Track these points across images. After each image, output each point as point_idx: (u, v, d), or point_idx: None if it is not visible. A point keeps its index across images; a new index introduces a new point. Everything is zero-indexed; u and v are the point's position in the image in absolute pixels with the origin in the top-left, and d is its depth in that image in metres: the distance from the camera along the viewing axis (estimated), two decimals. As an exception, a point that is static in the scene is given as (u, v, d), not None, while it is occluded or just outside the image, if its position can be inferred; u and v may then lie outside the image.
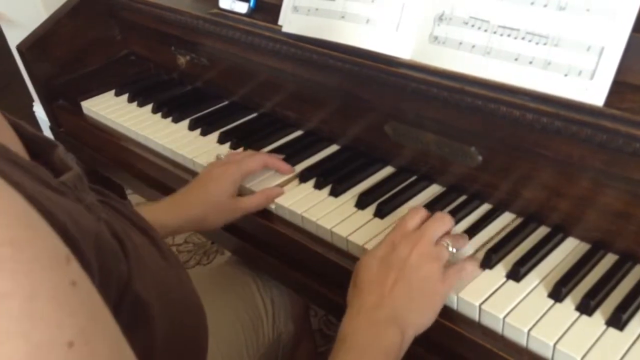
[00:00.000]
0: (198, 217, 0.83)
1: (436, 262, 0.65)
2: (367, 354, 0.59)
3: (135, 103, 1.19)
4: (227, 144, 1.02)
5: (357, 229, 0.78)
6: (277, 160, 0.91)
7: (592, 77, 0.65)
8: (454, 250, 0.68)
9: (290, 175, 0.91)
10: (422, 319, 0.63)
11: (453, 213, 0.79)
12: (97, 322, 0.33)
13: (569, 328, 0.61)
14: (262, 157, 0.90)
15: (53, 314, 0.30)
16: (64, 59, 1.23)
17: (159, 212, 0.82)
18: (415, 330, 0.63)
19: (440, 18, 0.77)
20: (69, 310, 0.31)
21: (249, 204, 0.85)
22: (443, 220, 0.70)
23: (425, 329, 0.64)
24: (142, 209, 0.81)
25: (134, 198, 1.54)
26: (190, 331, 0.54)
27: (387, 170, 0.91)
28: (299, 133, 1.03)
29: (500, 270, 0.70)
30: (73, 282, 0.32)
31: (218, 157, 0.96)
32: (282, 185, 0.89)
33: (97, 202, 0.46)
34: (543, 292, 0.66)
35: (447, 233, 0.70)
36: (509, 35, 0.71)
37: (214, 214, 0.84)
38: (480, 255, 0.71)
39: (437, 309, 0.64)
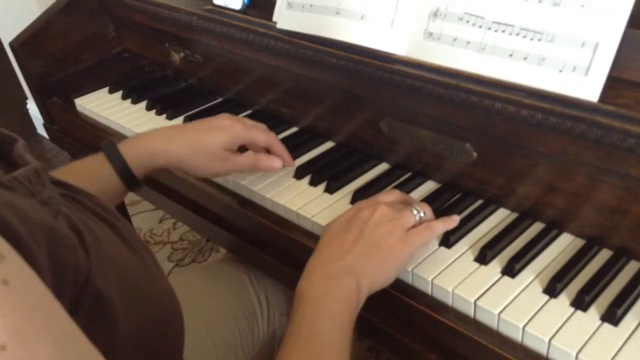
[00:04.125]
0: (186, 158, 0.81)
1: (397, 222, 0.66)
2: (324, 306, 0.60)
3: (129, 100, 1.18)
4: (222, 141, 1.01)
5: (353, 226, 0.78)
6: (282, 147, 0.88)
7: (586, 73, 0.65)
8: (422, 214, 0.69)
9: (285, 172, 0.90)
10: (378, 274, 0.64)
11: (448, 209, 0.79)
12: (36, 321, 0.31)
13: (564, 324, 0.62)
14: (271, 136, 0.86)
15: None
16: (58, 55, 1.22)
17: (149, 141, 0.81)
18: (371, 284, 0.64)
19: (435, 14, 0.76)
20: (0, 311, 0.30)
21: (240, 161, 0.83)
22: (407, 197, 0.74)
23: (382, 287, 0.65)
24: (131, 139, 0.81)
25: (129, 195, 1.54)
26: (160, 325, 0.53)
27: (382, 167, 0.91)
28: (293, 130, 1.03)
29: (495, 266, 0.70)
30: (4, 281, 0.31)
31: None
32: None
33: (57, 195, 0.45)
34: (538, 287, 0.66)
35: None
36: (503, 31, 0.71)
37: (203, 160, 0.81)
38: (476, 251, 0.72)
39: (396, 267, 0.66)
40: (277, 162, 0.83)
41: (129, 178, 0.78)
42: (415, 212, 0.69)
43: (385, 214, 0.67)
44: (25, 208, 0.38)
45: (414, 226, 0.68)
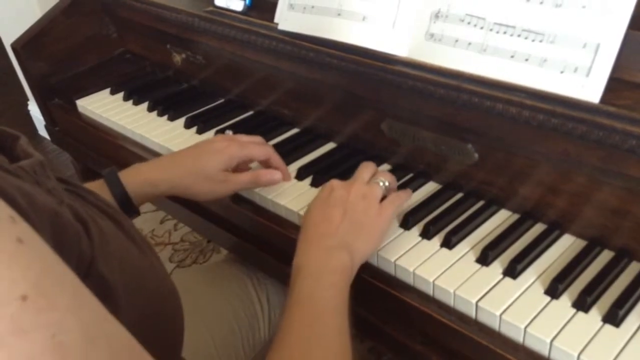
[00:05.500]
0: (186, 184, 0.82)
1: (371, 198, 0.71)
2: (322, 276, 0.63)
3: (130, 101, 1.18)
4: (223, 142, 1.01)
5: (354, 227, 0.78)
6: (281, 161, 0.87)
7: (588, 74, 0.65)
8: (387, 184, 0.75)
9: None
10: (367, 247, 0.69)
11: (449, 210, 0.79)
12: (52, 276, 0.33)
13: (565, 324, 0.62)
14: (268, 150, 0.86)
15: (1, 271, 0.30)
16: (59, 57, 1.22)
17: (147, 172, 0.81)
18: (361, 257, 0.69)
19: (437, 15, 0.77)
20: (18, 266, 0.31)
21: (240, 180, 0.83)
22: (369, 166, 0.78)
23: (368, 258, 0.71)
24: (131, 169, 0.82)
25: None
26: (160, 320, 0.54)
27: (384, 168, 0.91)
28: (295, 131, 1.03)
29: (496, 267, 0.70)
30: (19, 240, 0.32)
31: (226, 133, 0.95)
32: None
33: (61, 189, 0.46)
34: (540, 288, 0.66)
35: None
36: (505, 33, 0.71)
37: (203, 185, 0.82)
38: (477, 252, 0.72)
39: (378, 239, 0.71)
40: (276, 175, 0.84)
41: (126, 206, 0.78)
42: (381, 184, 0.74)
43: (358, 191, 0.71)
44: (30, 192, 0.39)
45: (384, 196, 0.73)
